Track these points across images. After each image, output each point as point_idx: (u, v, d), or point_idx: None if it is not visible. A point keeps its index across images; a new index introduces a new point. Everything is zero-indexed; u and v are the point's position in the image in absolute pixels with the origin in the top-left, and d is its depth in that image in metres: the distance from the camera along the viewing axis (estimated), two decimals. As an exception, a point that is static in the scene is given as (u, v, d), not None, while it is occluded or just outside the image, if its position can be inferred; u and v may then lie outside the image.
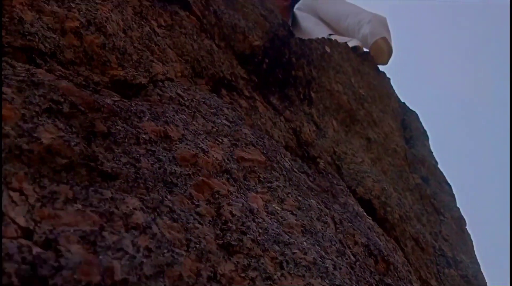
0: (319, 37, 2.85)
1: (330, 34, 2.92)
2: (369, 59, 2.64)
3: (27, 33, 0.86)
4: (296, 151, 1.52)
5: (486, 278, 2.19)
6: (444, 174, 2.76)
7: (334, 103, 2.00)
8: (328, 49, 2.15)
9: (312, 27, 3.06)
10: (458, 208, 2.49)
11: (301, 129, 1.62)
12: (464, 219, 2.47)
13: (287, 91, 1.71)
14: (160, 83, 1.06)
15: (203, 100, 1.12)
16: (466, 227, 2.49)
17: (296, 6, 3.39)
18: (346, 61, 2.31)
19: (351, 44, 2.54)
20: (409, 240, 1.67)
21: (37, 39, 0.87)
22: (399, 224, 1.66)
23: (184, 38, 1.32)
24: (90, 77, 0.95)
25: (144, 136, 0.81)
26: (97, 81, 0.95)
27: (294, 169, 1.24)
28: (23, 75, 0.78)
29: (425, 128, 3.04)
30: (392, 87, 2.84)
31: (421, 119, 3.07)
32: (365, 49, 2.77)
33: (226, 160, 0.94)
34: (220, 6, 1.57)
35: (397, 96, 2.88)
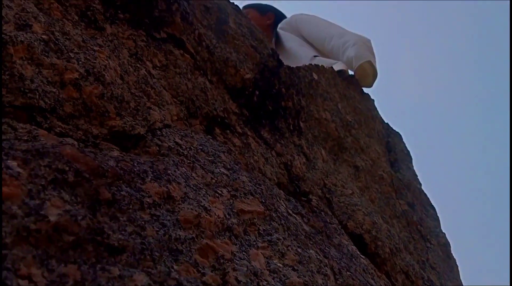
0: (306, 63, 2.85)
1: (315, 56, 2.92)
2: (354, 82, 2.65)
3: (27, 91, 0.84)
4: (288, 188, 1.52)
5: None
6: (427, 189, 2.80)
7: (323, 132, 2.00)
8: (315, 76, 2.16)
9: (296, 48, 3.06)
10: (444, 234, 2.51)
11: (292, 163, 1.62)
12: (449, 244, 2.48)
13: (277, 123, 1.71)
14: (158, 132, 1.05)
15: (201, 147, 1.11)
16: (452, 250, 2.51)
17: (279, 25, 3.39)
18: (332, 86, 2.31)
19: (336, 67, 2.55)
20: (400, 274, 1.67)
21: (37, 96, 0.85)
22: (389, 258, 1.66)
23: (179, 78, 1.31)
24: (89, 130, 0.93)
25: (148, 200, 0.79)
26: (96, 134, 0.94)
27: (290, 212, 1.24)
28: (25, 138, 0.76)
29: (408, 144, 3.07)
30: (376, 108, 2.85)
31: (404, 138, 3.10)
32: (350, 71, 2.78)
33: (227, 216, 0.93)
34: (212, 40, 1.56)
35: (381, 117, 2.90)
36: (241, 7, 3.73)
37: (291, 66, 2.80)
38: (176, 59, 1.34)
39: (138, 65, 1.19)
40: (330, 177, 1.80)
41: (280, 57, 2.93)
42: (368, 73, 2.72)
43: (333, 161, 1.98)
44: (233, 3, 1.86)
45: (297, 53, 3.02)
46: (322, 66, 2.30)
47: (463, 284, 2.41)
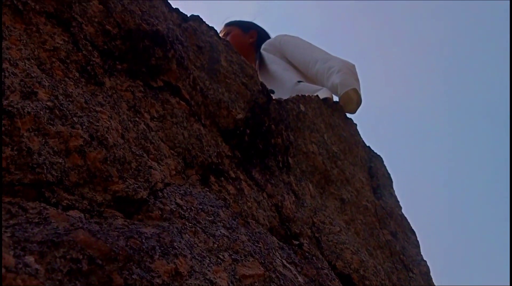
0: (290, 88, 2.87)
1: (298, 81, 2.94)
2: (338, 109, 2.67)
3: (35, 166, 0.84)
4: (280, 231, 1.53)
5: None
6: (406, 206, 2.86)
7: (310, 165, 2.03)
8: (303, 108, 2.18)
9: (280, 72, 3.08)
10: (425, 261, 2.55)
11: (282, 203, 1.63)
12: (429, 272, 2.53)
13: (267, 162, 1.72)
14: (160, 193, 1.06)
15: (200, 207, 1.12)
16: (432, 275, 2.55)
17: (263, 46, 3.40)
18: (318, 116, 2.34)
19: (322, 95, 2.57)
20: (386, 314, 1.70)
21: (45, 170, 0.86)
22: (377, 299, 1.69)
23: (176, 128, 1.32)
24: (94, 199, 0.94)
25: (157, 280, 0.80)
26: (100, 201, 0.94)
27: (285, 263, 1.26)
28: (37, 220, 0.76)
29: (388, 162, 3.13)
30: (358, 133, 2.88)
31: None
32: (334, 96, 2.81)
33: (231, 285, 0.95)
34: (205, 82, 1.57)
35: (363, 141, 2.93)
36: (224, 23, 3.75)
37: (275, 89, 2.82)
38: (173, 108, 1.35)
39: (137, 119, 1.20)
40: (318, 214, 1.82)
41: (263, 80, 2.95)
42: (353, 100, 2.75)
43: (320, 195, 2.00)
44: (224, 39, 1.87)
45: (281, 77, 3.03)
46: (309, 96, 2.33)
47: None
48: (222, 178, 1.40)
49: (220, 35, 3.67)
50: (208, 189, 1.27)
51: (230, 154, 1.54)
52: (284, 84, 2.99)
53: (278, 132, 1.87)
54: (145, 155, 1.12)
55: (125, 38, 1.30)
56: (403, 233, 2.57)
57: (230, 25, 3.64)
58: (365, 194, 2.37)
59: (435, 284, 2.56)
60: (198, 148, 1.37)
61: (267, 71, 3.17)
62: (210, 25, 1.80)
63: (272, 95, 2.81)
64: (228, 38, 3.55)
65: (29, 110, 0.89)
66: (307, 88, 2.86)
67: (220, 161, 1.45)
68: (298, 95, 2.25)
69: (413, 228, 2.84)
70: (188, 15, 1.74)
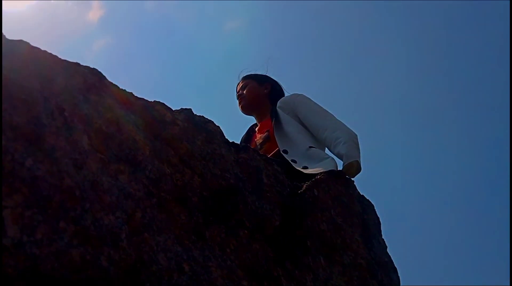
0: (303, 151, 3.64)
1: (310, 146, 3.70)
2: (341, 175, 3.46)
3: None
4: (305, 310, 2.34)
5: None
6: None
7: (321, 242, 2.81)
8: (316, 192, 2.96)
9: (294, 134, 3.81)
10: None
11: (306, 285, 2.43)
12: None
13: (294, 251, 2.51)
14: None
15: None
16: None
17: (278, 104, 4.15)
18: (326, 192, 3.11)
19: (328, 168, 3.35)
20: None
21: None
22: None
23: (245, 254, 2.10)
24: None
25: None
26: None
27: None
28: None
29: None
30: (355, 187, 3.66)
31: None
32: (338, 159, 3.60)
33: None
34: (255, 203, 2.34)
35: (358, 193, 3.70)
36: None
37: (289, 150, 3.61)
38: (242, 239, 2.13)
39: (225, 257, 1.98)
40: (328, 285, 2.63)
41: (279, 139, 3.73)
42: (354, 168, 3.53)
43: (328, 265, 2.79)
44: (263, 155, 2.65)
45: (295, 140, 3.76)
46: (320, 178, 3.10)
47: None
48: (271, 281, 2.19)
49: (238, 87, 4.45)
50: (266, 298, 2.07)
51: (272, 256, 2.32)
52: (297, 146, 3.74)
53: (300, 224, 2.65)
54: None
55: (213, 197, 2.08)
56: (387, 277, 3.39)
57: (246, 78, 4.44)
58: (360, 253, 3.16)
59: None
60: (256, 263, 2.15)
61: (282, 131, 3.90)
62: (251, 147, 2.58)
63: (285, 154, 3.61)
64: (245, 91, 4.34)
65: (184, 284, 1.68)
66: (316, 154, 3.64)
67: (267, 266, 2.24)
68: (312, 181, 3.03)
69: (395, 266, 3.67)
70: (241, 146, 2.52)
